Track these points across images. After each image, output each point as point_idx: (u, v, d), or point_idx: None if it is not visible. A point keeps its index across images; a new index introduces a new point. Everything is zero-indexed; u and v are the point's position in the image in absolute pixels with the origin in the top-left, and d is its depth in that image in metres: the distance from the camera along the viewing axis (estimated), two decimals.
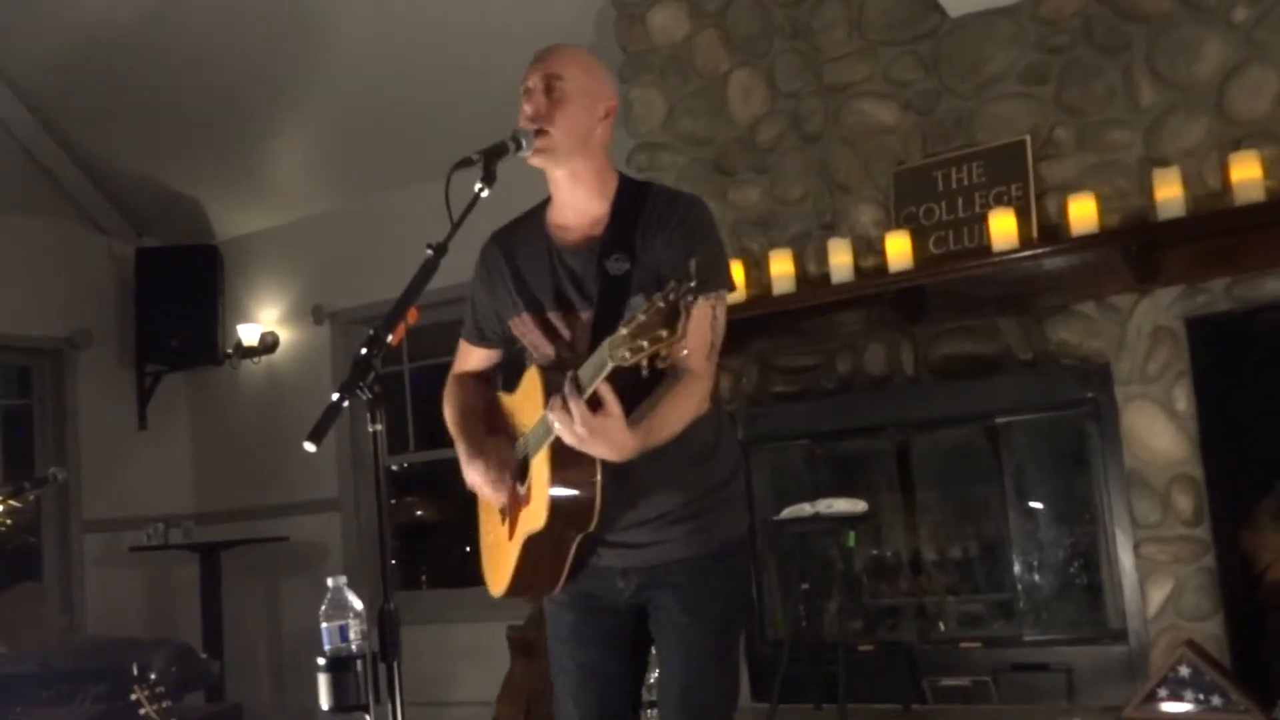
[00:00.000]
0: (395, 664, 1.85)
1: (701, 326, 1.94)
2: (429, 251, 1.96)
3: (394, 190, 5.98)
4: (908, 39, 4.40)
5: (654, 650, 2.19)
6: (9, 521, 6.20)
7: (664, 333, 1.60)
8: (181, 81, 5.70)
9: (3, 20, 5.33)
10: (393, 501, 6.73)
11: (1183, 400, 3.83)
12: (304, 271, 6.60)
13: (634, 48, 4.99)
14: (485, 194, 1.99)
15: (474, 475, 2.15)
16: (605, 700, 2.17)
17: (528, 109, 2.06)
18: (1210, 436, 3.80)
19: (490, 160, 1.99)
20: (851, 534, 4.19)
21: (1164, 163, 3.83)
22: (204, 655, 5.39)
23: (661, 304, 1.60)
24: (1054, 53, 4.11)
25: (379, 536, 2.27)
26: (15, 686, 4.58)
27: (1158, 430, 3.87)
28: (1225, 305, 3.79)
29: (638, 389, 1.88)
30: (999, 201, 4.09)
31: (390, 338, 1.87)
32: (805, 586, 4.46)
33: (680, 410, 1.94)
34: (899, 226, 4.27)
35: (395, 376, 6.30)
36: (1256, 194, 3.60)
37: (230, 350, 6.64)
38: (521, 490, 2.07)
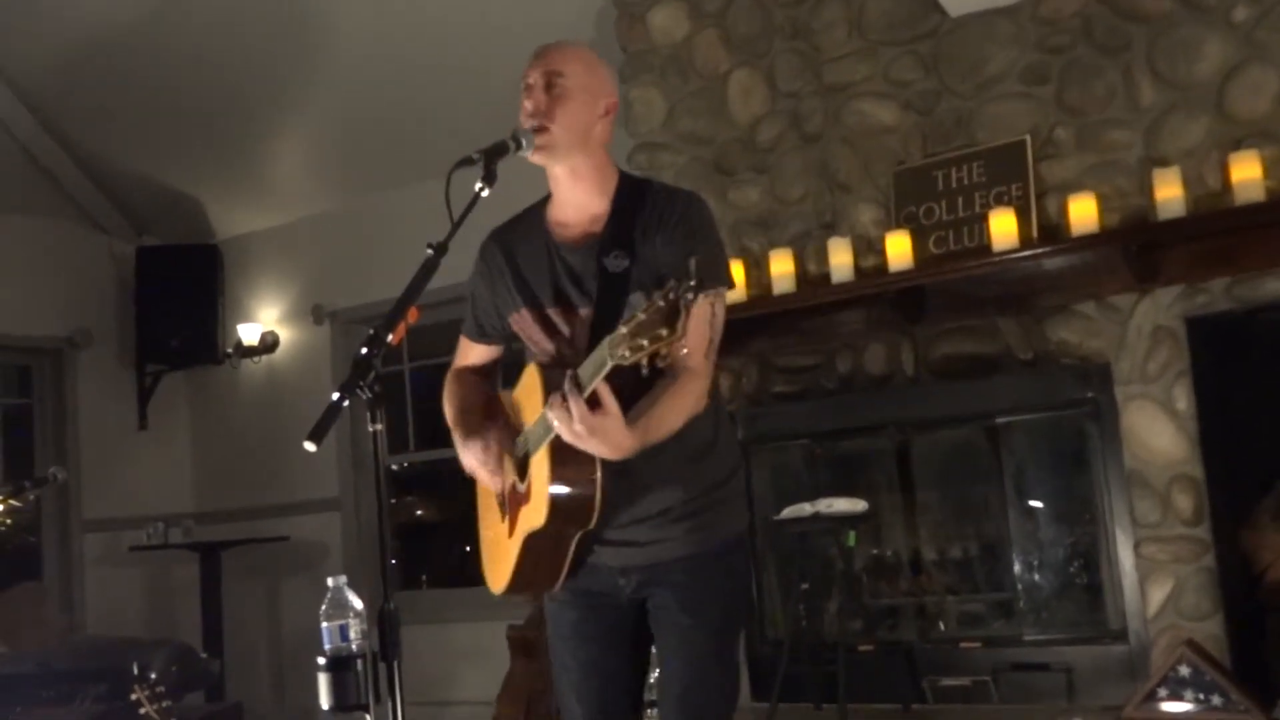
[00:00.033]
0: (395, 663, 1.86)
1: (700, 324, 1.94)
2: (429, 251, 1.96)
3: (394, 190, 5.98)
4: (908, 39, 4.40)
5: (654, 649, 2.19)
6: (9, 521, 6.20)
7: (664, 331, 1.60)
8: (181, 81, 5.70)
9: (3, 20, 5.34)
10: (393, 501, 6.73)
11: (1183, 400, 3.83)
12: (304, 271, 6.60)
13: (634, 47, 4.99)
14: (485, 193, 1.99)
15: (470, 458, 2.14)
16: (608, 697, 2.17)
17: (528, 105, 2.07)
18: (1210, 436, 3.80)
19: (490, 160, 2.00)
20: (851, 534, 4.19)
21: (1164, 163, 3.83)
22: (204, 655, 5.40)
23: (661, 303, 1.60)
24: (1054, 53, 4.11)
25: (379, 536, 2.28)
26: (15, 686, 4.59)
27: (1158, 430, 3.87)
28: (1225, 305, 3.79)
29: (636, 387, 1.88)
30: (999, 201, 4.09)
31: (390, 337, 1.88)
32: (805, 586, 4.45)
33: (678, 408, 1.94)
34: (899, 226, 4.27)
35: (395, 376, 6.30)
36: (1256, 194, 3.60)
37: (230, 350, 6.65)
38: (521, 488, 2.07)
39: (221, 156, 6.25)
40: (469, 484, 2.36)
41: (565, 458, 1.91)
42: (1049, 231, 4.01)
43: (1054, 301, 4.07)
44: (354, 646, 2.17)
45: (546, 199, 2.20)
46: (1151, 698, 3.63)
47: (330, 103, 5.74)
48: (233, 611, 6.30)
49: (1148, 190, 3.82)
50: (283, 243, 6.68)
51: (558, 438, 1.86)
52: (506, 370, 2.33)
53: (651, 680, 2.69)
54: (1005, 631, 4.28)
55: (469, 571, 5.64)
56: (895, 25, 4.42)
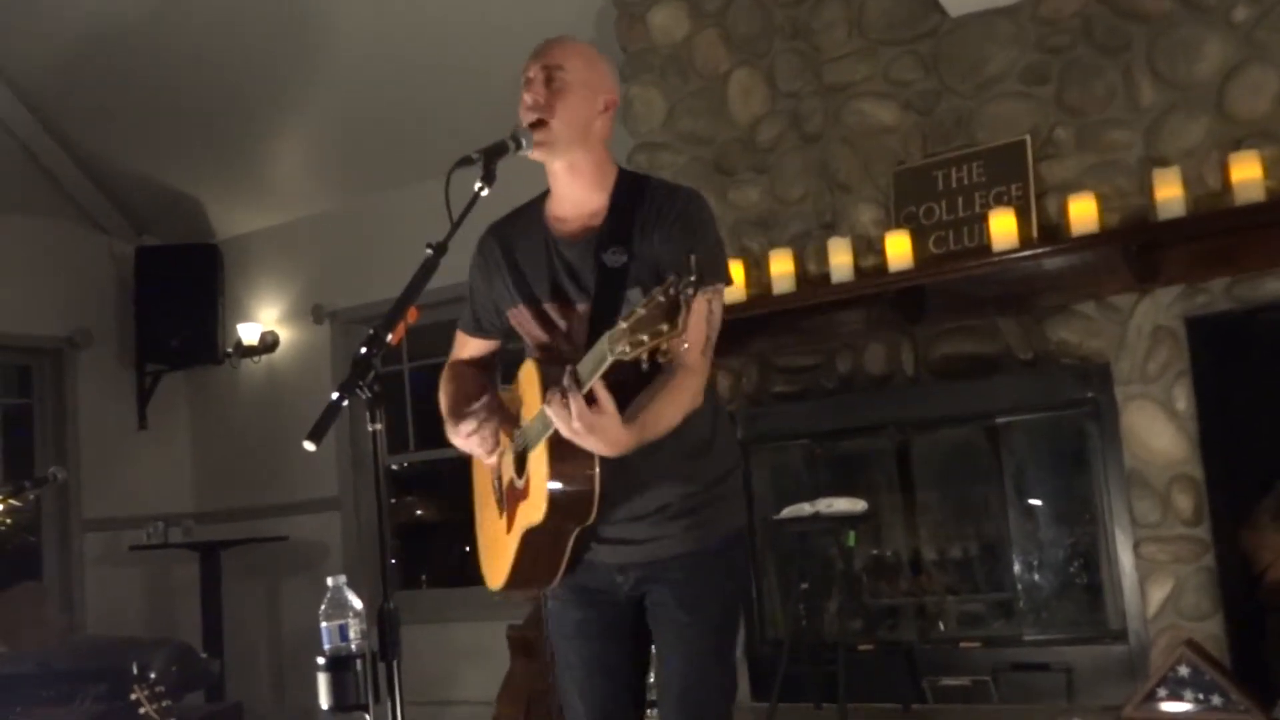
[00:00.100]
0: (395, 663, 1.85)
1: (698, 321, 1.93)
2: (429, 251, 1.96)
3: (394, 190, 5.98)
4: (908, 39, 4.40)
5: (654, 647, 2.19)
6: (9, 521, 6.20)
7: (664, 327, 1.60)
8: (181, 81, 5.70)
9: (3, 20, 5.34)
10: (393, 501, 6.73)
11: (1183, 400, 3.83)
12: (304, 271, 6.60)
13: (634, 47, 4.99)
14: (485, 193, 1.99)
15: (461, 439, 2.12)
16: (611, 693, 2.17)
17: (527, 98, 2.06)
18: (1210, 436, 3.80)
19: (490, 159, 2.00)
20: (851, 534, 4.19)
21: (1164, 163, 3.83)
22: (204, 655, 5.40)
23: (662, 298, 1.60)
24: (1054, 53, 4.11)
25: (379, 536, 2.27)
26: (15, 686, 4.59)
27: (1158, 430, 3.87)
28: (1225, 305, 3.79)
29: (633, 384, 1.88)
30: (999, 201, 4.09)
31: (390, 337, 1.87)
32: (805, 586, 4.45)
33: (676, 405, 1.94)
34: (899, 226, 4.27)
35: (395, 376, 6.30)
36: (1257, 194, 3.60)
37: (230, 349, 6.65)
38: (519, 483, 2.07)
39: (221, 156, 6.25)
40: (468, 484, 2.36)
41: (564, 453, 1.91)
42: (1049, 231, 4.01)
43: (1054, 301, 4.07)
44: (354, 646, 2.17)
45: (545, 194, 2.20)
46: (1151, 698, 3.63)
47: (330, 103, 5.74)
48: (233, 611, 6.30)
49: (1148, 190, 3.82)
50: (283, 242, 6.68)
51: (556, 433, 1.86)
52: (506, 369, 2.33)
53: (652, 680, 2.69)
54: (1005, 631, 4.28)
55: (469, 571, 5.64)
56: (895, 25, 4.42)
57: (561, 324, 2.10)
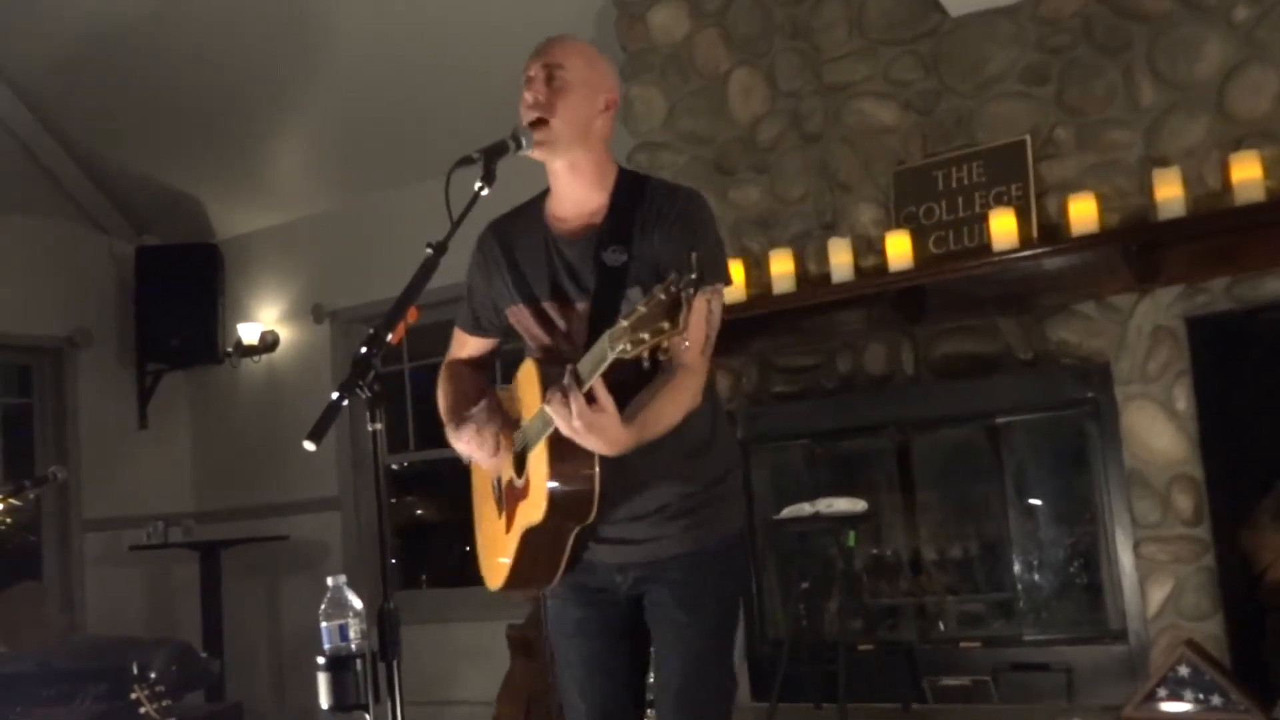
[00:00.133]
0: (395, 663, 1.85)
1: (698, 321, 1.93)
2: (429, 251, 1.96)
3: (394, 190, 5.98)
4: (908, 38, 4.40)
5: (652, 648, 2.19)
6: (9, 520, 6.19)
7: (665, 325, 1.60)
8: (181, 81, 5.70)
9: (3, 20, 5.34)
10: (393, 500, 6.73)
11: (1183, 400, 3.83)
12: (304, 270, 6.60)
13: (634, 47, 4.99)
14: (485, 193, 1.99)
15: (462, 444, 2.12)
16: (611, 692, 2.17)
17: (528, 97, 2.06)
18: (1210, 436, 3.80)
19: (490, 159, 1.99)
20: (851, 533, 4.19)
21: (1164, 162, 3.83)
22: (204, 654, 5.40)
23: (663, 296, 1.60)
24: (1054, 52, 4.11)
25: (379, 535, 2.27)
26: (15, 686, 4.59)
27: (1158, 430, 3.87)
28: (1225, 305, 3.79)
29: (632, 383, 1.88)
30: (999, 201, 4.09)
31: (390, 336, 1.87)
32: (805, 586, 4.46)
33: (675, 405, 1.94)
34: (899, 226, 4.27)
35: (395, 375, 6.30)
36: (1257, 194, 3.60)
37: (230, 349, 6.65)
38: (519, 483, 2.07)
39: (221, 156, 6.25)
40: (468, 483, 2.36)
41: (564, 452, 1.91)
42: (1049, 231, 4.01)
43: (1054, 301, 4.07)
44: (354, 646, 2.17)
45: (545, 193, 2.20)
46: (1151, 698, 3.63)
47: (330, 103, 5.74)
48: (233, 611, 6.30)
49: (1148, 190, 3.82)
50: (283, 242, 6.68)
51: (556, 433, 1.86)
52: (506, 369, 2.33)
53: (652, 680, 2.69)
54: (1005, 631, 4.28)
55: (469, 571, 5.62)
56: (895, 25, 4.42)
57: (561, 323, 2.10)
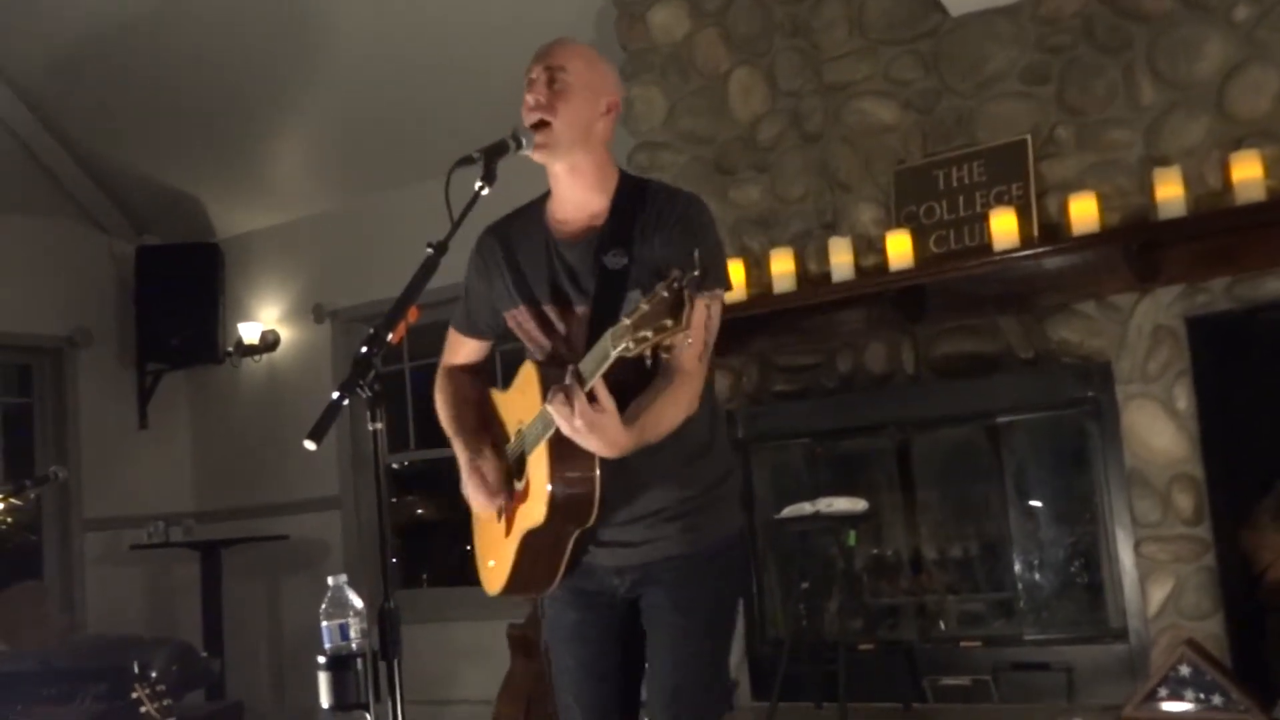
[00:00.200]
0: (395, 662, 1.85)
1: (697, 325, 1.92)
2: (429, 250, 1.96)
3: (394, 190, 5.98)
4: (908, 38, 4.40)
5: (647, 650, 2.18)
6: (10, 520, 6.20)
7: (668, 322, 1.60)
8: (181, 81, 5.70)
9: (3, 20, 5.34)
10: (393, 500, 6.73)
11: (1183, 399, 3.83)
12: (304, 270, 6.60)
13: (634, 46, 4.99)
14: (485, 192, 1.99)
15: (469, 492, 2.15)
16: (606, 696, 2.16)
17: (530, 99, 2.06)
18: (1210, 436, 3.80)
19: (490, 158, 1.99)
20: (852, 533, 4.19)
21: (1165, 162, 3.83)
22: (204, 654, 5.40)
23: (665, 293, 1.60)
24: (1054, 52, 4.11)
25: (379, 535, 2.27)
26: (16, 685, 4.58)
27: (1158, 429, 3.87)
28: (1226, 304, 3.79)
29: (631, 386, 1.88)
30: (999, 200, 4.09)
31: (391, 336, 1.87)
32: (805, 585, 4.46)
33: (675, 408, 1.94)
34: (899, 225, 4.27)
35: (396, 375, 6.30)
36: (1257, 193, 3.60)
37: (231, 349, 6.65)
38: (518, 486, 2.07)
39: (221, 156, 6.25)
40: None
41: (565, 455, 1.90)
42: (1049, 231, 4.01)
43: (1054, 301, 4.07)
44: (354, 645, 2.17)
45: (545, 195, 2.19)
46: (1152, 697, 3.63)
47: (330, 103, 5.74)
48: (233, 610, 6.30)
49: (1148, 189, 3.82)
50: (283, 242, 6.68)
51: (557, 435, 1.86)
52: (506, 370, 2.33)
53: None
54: (1005, 631, 4.28)
55: (469, 570, 5.63)
56: (896, 24, 4.42)
57: (560, 326, 2.10)
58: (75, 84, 5.76)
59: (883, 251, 4.23)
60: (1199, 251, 3.76)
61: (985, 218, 4.05)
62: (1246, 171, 3.62)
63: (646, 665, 2.14)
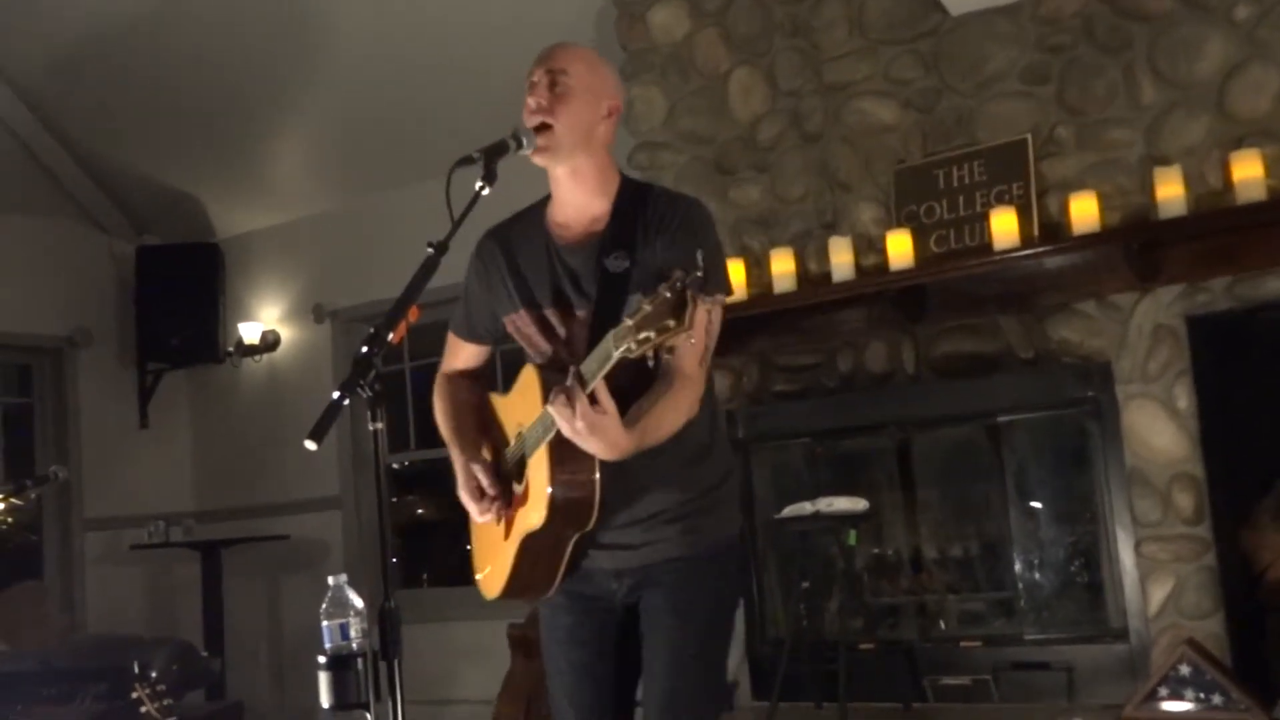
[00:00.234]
0: (396, 662, 1.85)
1: (698, 329, 1.93)
2: (429, 250, 1.96)
3: (394, 190, 5.98)
4: (908, 38, 4.40)
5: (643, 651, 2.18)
6: (10, 520, 6.19)
7: (671, 322, 1.59)
8: (181, 81, 5.70)
9: (3, 20, 5.34)
10: (394, 500, 6.73)
11: (1183, 399, 3.83)
12: (305, 270, 6.60)
13: (634, 46, 4.99)
14: (486, 192, 1.99)
15: (464, 499, 2.15)
16: (600, 701, 2.16)
17: (531, 102, 2.06)
18: (1211, 435, 3.80)
19: (491, 158, 1.99)
20: (852, 532, 4.19)
21: (1165, 161, 3.83)
22: (205, 653, 5.40)
23: (668, 294, 1.60)
24: (1055, 52, 4.11)
25: (380, 534, 2.27)
26: (16, 685, 4.59)
27: (1158, 429, 3.87)
28: (1226, 304, 3.79)
29: (630, 390, 1.88)
30: (1000, 200, 4.09)
31: (391, 336, 1.87)
32: (806, 585, 4.45)
33: (674, 413, 1.93)
34: (900, 225, 4.27)
35: (396, 375, 6.30)
36: (1258, 193, 3.60)
37: (231, 348, 6.65)
38: (518, 489, 2.06)
39: (222, 156, 6.25)
40: None
41: (565, 457, 1.90)
42: (1050, 230, 4.01)
43: (1055, 300, 4.07)
44: (354, 645, 2.16)
45: (546, 199, 2.19)
46: (1152, 697, 3.63)
47: (330, 103, 5.74)
48: (233, 610, 6.30)
49: (1149, 189, 3.82)
50: (283, 242, 6.68)
51: (557, 438, 1.85)
52: (506, 372, 2.32)
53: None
54: (1006, 630, 4.28)
55: (469, 571, 5.65)
56: (896, 24, 4.42)
57: (561, 330, 2.09)
58: (75, 84, 5.76)
59: (883, 251, 4.23)
60: (1199, 251, 3.76)
61: (985, 217, 4.05)
62: (1247, 171, 3.62)
63: (643, 667, 2.13)
